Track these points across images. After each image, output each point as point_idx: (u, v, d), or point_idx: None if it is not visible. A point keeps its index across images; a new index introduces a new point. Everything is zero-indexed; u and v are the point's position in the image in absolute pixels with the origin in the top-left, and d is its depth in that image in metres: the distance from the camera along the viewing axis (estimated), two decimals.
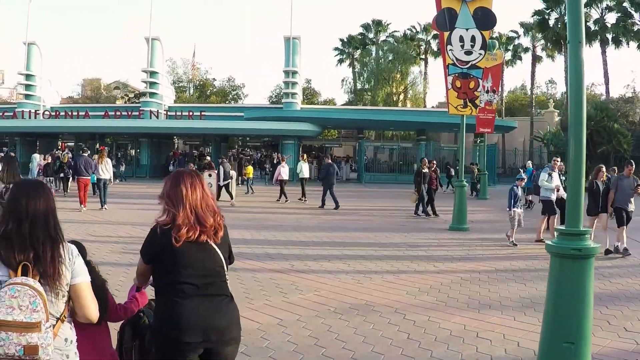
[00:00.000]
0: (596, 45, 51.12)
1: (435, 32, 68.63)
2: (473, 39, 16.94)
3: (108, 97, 72.78)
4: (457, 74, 17.18)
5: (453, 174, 33.84)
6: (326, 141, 60.04)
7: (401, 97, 65.23)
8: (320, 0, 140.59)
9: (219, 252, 3.85)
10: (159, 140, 46.44)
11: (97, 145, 44.95)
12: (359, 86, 67.87)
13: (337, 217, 19.84)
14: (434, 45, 69.46)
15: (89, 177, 21.50)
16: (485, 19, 16.96)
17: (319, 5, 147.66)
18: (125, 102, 66.51)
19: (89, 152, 24.92)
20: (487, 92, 27.51)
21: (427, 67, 69.75)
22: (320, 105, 65.88)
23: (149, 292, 4.12)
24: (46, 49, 50.00)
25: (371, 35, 70.61)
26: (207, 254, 3.80)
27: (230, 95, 70.81)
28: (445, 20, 16.86)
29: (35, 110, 46.66)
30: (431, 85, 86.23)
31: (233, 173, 26.03)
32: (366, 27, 70.17)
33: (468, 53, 16.99)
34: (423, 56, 69.47)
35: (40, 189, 3.32)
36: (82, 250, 3.60)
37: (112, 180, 23.80)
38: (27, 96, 48.12)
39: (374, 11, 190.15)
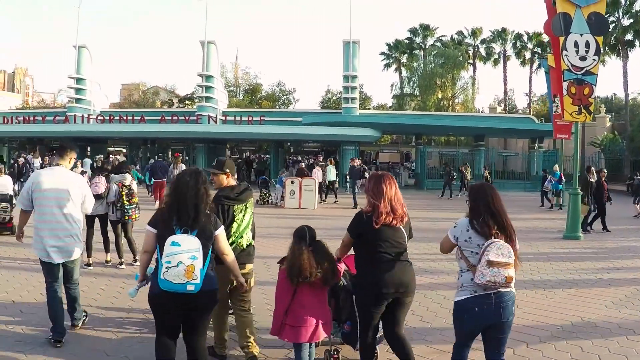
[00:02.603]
0: None
1: (483, 37, 69.64)
2: (587, 44, 17.09)
3: (152, 103, 73.34)
4: (572, 80, 17.23)
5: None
6: (383, 147, 60.15)
7: (451, 102, 65.29)
8: (366, 5, 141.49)
9: (404, 231, 5.63)
10: (214, 146, 46.78)
11: (135, 150, 45.83)
12: (407, 91, 68.01)
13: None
14: (482, 49, 69.66)
15: (165, 180, 23.52)
16: (598, 24, 17.13)
17: (365, 10, 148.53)
18: (168, 107, 67.02)
19: (164, 157, 26.26)
20: None
21: (475, 72, 69.99)
22: (372, 110, 66.00)
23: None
24: (95, 53, 50.35)
25: (418, 40, 70.88)
26: (397, 232, 5.55)
27: (281, 100, 71.03)
28: (561, 25, 17.03)
29: (89, 115, 47.29)
30: (480, 91, 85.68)
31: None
32: (413, 31, 70.45)
33: (583, 59, 17.12)
34: (471, 61, 69.56)
35: None
36: None
37: None
38: (77, 100, 48.68)
39: (422, 15, 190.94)
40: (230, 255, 5.63)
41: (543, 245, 15.62)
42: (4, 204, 15.45)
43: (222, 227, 5.56)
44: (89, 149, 51.10)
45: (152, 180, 25.18)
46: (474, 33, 69.47)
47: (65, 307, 7.31)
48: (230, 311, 6.85)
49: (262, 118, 44.65)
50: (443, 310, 8.53)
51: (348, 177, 31.29)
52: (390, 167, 52.84)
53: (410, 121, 45.55)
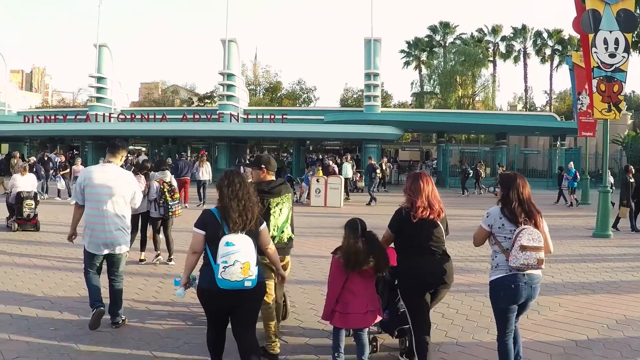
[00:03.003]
0: None
1: (503, 34, 69.52)
2: (617, 41, 17.11)
3: (172, 102, 73.67)
4: (601, 77, 17.27)
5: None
6: (405, 145, 60.16)
7: (471, 100, 65.23)
8: (386, 3, 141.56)
9: (441, 226, 6.04)
10: (236, 144, 46.97)
11: (153, 149, 46.04)
12: (427, 89, 68.09)
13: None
14: (502, 47, 69.61)
15: (188, 177, 24.30)
16: (627, 21, 17.11)
17: (384, 8, 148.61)
18: (188, 106, 67.30)
19: (188, 155, 26.82)
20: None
21: (495, 70, 69.91)
22: (393, 108, 65.75)
23: None
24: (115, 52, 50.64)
25: (438, 38, 70.94)
26: (435, 227, 5.96)
27: (302, 99, 71.26)
28: (590, 21, 17.07)
29: (110, 114, 47.55)
30: (500, 88, 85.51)
31: None
32: (433, 29, 70.56)
33: (612, 56, 17.16)
34: (491, 58, 69.45)
35: None
36: None
37: (210, 181, 25.43)
38: (98, 99, 48.96)
39: (441, 13, 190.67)
40: (272, 248, 6.00)
41: (574, 244, 15.63)
42: (29, 201, 16.14)
43: (265, 222, 5.88)
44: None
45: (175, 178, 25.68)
46: (494, 30, 69.41)
47: (106, 299, 7.65)
48: None
49: (284, 116, 44.58)
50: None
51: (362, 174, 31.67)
52: (411, 165, 52.95)
53: (432, 119, 45.63)
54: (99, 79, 48.82)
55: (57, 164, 40.85)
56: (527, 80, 70.91)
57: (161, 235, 12.09)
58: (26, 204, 16.04)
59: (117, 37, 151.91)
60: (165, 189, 11.73)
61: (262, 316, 6.48)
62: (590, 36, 17.16)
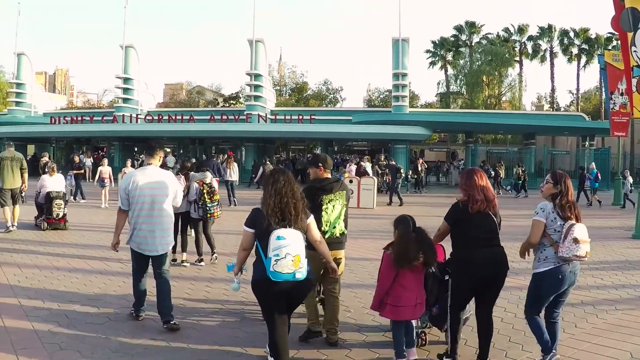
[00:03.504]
0: None
1: (529, 34, 69.18)
2: None
3: (197, 102, 74.00)
4: None
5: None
6: (433, 145, 60.05)
7: (498, 100, 64.98)
8: (411, 3, 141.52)
9: (495, 219, 6.33)
10: (264, 145, 47.17)
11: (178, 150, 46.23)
12: (454, 89, 67.97)
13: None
14: (528, 46, 69.32)
15: (218, 179, 23.76)
16: None
17: (409, 8, 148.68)
18: (213, 107, 67.54)
19: (218, 156, 27.31)
20: (622, 94, 27.62)
21: (522, 69, 69.66)
22: (420, 108, 65.58)
23: None
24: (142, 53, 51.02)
25: (464, 37, 70.58)
26: (489, 219, 6.28)
27: (328, 99, 71.27)
28: (630, 20, 16.98)
29: (137, 115, 47.90)
30: (527, 88, 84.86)
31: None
32: (459, 28, 70.22)
33: None
34: (517, 58, 69.18)
35: None
36: None
37: (237, 182, 25.85)
38: (125, 100, 49.44)
39: (467, 12, 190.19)
40: (322, 242, 6.31)
41: (616, 246, 15.46)
42: (58, 201, 16.63)
43: (312, 216, 6.22)
44: (136, 148, 52.07)
45: None
46: (520, 30, 69.03)
47: (152, 299, 7.97)
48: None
49: (312, 117, 44.66)
50: None
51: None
52: (438, 165, 52.94)
53: (461, 119, 45.59)
54: (126, 80, 49.33)
55: (85, 165, 41.43)
56: (553, 80, 70.57)
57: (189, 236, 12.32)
58: (56, 204, 16.53)
59: (142, 37, 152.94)
60: (204, 190, 11.73)
61: (332, 307, 7.20)
62: (630, 35, 17.07)
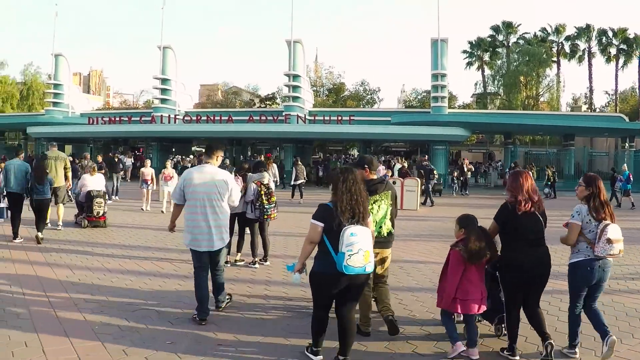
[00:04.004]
0: None
1: (567, 34, 68.68)
2: None
3: (233, 103, 74.35)
4: None
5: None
6: (472, 146, 59.82)
7: (535, 101, 64.53)
8: (447, 3, 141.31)
9: (540, 218, 6.69)
10: (302, 145, 47.28)
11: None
12: (491, 89, 67.73)
13: None
14: (566, 46, 68.85)
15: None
16: None
17: (445, 8, 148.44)
18: (249, 107, 67.84)
19: (258, 157, 27.87)
20: None
21: (559, 70, 69.21)
22: (458, 109, 65.18)
23: None
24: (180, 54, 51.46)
25: (501, 38, 70.26)
26: (535, 219, 6.64)
27: (365, 100, 71.23)
28: None
29: (175, 115, 48.31)
30: (565, 89, 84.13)
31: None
32: (496, 29, 69.94)
33: None
34: (555, 58, 68.75)
35: None
36: None
37: (278, 182, 26.44)
38: (163, 100, 49.79)
39: (504, 13, 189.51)
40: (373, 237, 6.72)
41: None
42: (99, 200, 17.33)
43: (371, 215, 6.91)
44: (174, 149, 52.54)
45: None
46: (558, 30, 68.61)
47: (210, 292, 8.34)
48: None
49: (352, 117, 44.72)
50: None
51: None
52: (476, 166, 52.77)
53: (500, 120, 44.92)
54: (164, 81, 49.83)
55: (125, 165, 41.91)
56: (591, 81, 69.90)
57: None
58: (96, 202, 17.20)
59: (178, 38, 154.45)
60: (262, 192, 11.67)
61: (381, 292, 7.73)
62: None
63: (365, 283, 6.55)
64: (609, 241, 6.43)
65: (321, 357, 6.45)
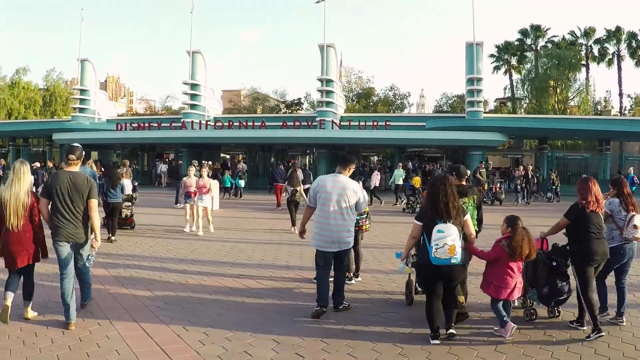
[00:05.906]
0: None
1: (596, 37, 68.39)
2: None
3: (255, 109, 74.39)
4: None
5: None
6: (506, 152, 59.48)
7: (564, 105, 64.33)
8: (475, 6, 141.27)
9: (601, 215, 8.44)
10: (335, 151, 47.40)
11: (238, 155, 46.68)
12: (521, 94, 67.69)
13: None
14: (595, 50, 68.63)
15: (283, 184, 25.91)
16: None
17: (471, 11, 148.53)
18: (276, 113, 67.87)
19: (282, 163, 28.84)
20: None
21: (588, 73, 69.02)
22: (490, 114, 64.75)
23: None
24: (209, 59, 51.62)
25: (529, 41, 70.20)
26: (599, 217, 8.38)
27: (395, 105, 71.08)
28: None
29: (207, 121, 48.48)
30: (595, 93, 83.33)
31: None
32: (524, 32, 69.95)
33: None
34: (584, 62, 68.54)
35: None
36: None
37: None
38: (192, 106, 49.78)
39: (531, 16, 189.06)
40: (473, 235, 8.19)
41: None
42: (126, 203, 18.69)
43: (468, 214, 8.21)
44: (203, 154, 52.69)
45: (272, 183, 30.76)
46: (586, 33, 68.41)
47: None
48: None
49: (388, 123, 44.60)
50: None
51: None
52: (509, 171, 52.53)
53: (537, 125, 44.44)
54: (193, 86, 49.89)
55: (160, 170, 42.09)
56: (621, 84, 69.59)
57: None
58: (124, 206, 18.47)
59: (205, 43, 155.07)
60: None
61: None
62: None
63: (459, 274, 7.86)
64: (635, 227, 8.51)
65: (437, 341, 7.65)
